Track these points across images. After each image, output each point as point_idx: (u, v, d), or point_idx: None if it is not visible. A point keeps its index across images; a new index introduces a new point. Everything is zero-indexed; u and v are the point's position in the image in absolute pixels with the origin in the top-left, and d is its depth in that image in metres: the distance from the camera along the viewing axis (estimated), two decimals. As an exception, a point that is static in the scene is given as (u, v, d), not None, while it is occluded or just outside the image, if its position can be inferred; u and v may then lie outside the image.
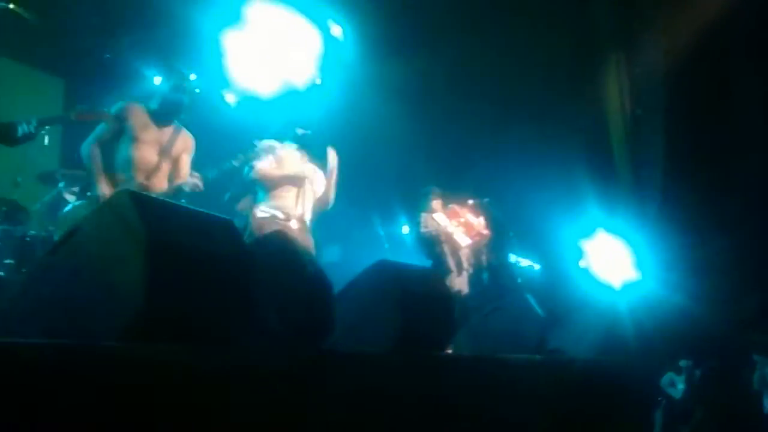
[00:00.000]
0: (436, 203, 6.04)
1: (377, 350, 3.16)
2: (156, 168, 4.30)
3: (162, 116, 4.35)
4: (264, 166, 4.61)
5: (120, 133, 4.28)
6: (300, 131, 4.79)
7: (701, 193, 5.14)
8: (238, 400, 2.13)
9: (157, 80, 7.40)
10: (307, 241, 4.55)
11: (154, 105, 4.37)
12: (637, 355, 4.45)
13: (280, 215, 4.57)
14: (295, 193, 4.66)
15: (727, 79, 5.23)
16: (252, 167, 4.59)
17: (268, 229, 4.26)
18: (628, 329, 4.66)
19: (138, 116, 4.28)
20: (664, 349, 4.28)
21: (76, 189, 6.05)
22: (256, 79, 6.98)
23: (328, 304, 3.19)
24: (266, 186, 4.63)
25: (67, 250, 2.30)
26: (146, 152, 4.28)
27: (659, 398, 3.50)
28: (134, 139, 4.24)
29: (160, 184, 4.32)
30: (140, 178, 4.25)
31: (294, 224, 4.57)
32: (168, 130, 4.38)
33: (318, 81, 7.13)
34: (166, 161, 4.36)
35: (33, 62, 7.29)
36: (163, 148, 4.35)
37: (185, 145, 4.48)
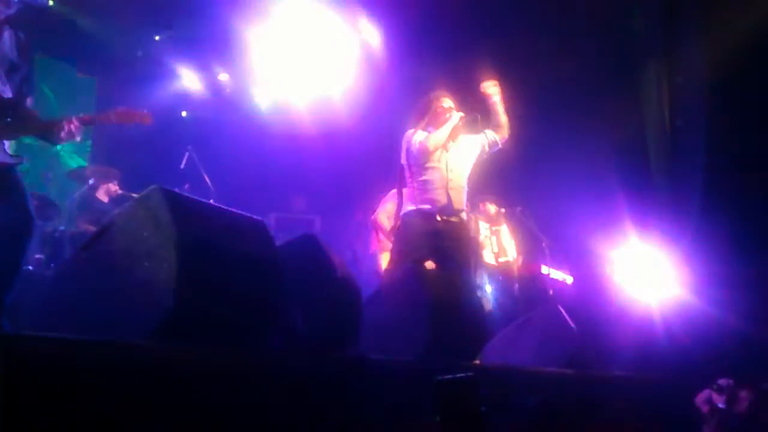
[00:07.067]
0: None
1: (405, 357, 3.09)
2: None
3: None
4: None
5: None
6: None
7: (744, 205, 4.96)
8: (264, 401, 2.09)
9: (188, 78, 7.46)
10: None
11: None
12: (673, 373, 4.31)
13: None
14: None
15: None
16: None
17: None
18: (664, 345, 4.52)
19: None
20: (703, 367, 4.13)
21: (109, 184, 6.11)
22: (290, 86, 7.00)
23: (355, 310, 3.14)
24: None
25: (100, 247, 2.28)
26: None
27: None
28: None
29: None
30: None
31: None
32: None
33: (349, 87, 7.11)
34: None
35: (68, 60, 7.39)
36: None
37: None
